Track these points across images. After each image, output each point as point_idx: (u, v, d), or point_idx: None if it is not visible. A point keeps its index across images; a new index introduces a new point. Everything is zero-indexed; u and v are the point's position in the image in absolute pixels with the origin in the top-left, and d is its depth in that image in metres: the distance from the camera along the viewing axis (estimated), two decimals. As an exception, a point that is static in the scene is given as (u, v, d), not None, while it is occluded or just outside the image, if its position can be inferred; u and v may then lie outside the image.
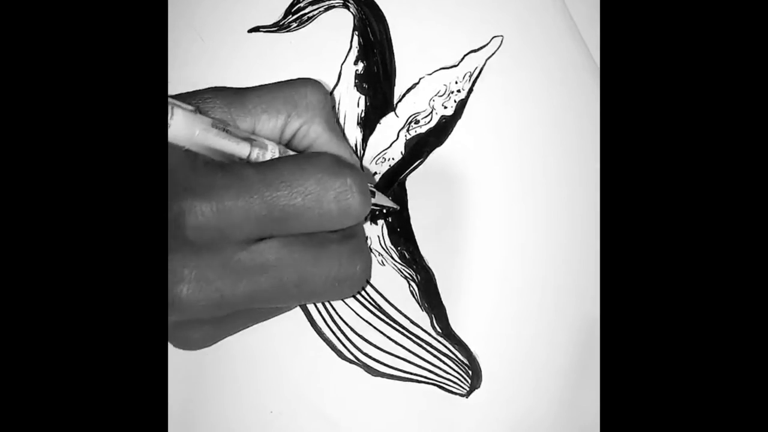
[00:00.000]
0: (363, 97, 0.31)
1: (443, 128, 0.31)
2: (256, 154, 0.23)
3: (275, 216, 0.21)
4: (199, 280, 0.21)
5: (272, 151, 0.23)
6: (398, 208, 0.30)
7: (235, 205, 0.21)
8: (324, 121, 0.25)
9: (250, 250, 0.22)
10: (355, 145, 0.31)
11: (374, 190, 0.27)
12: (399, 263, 0.30)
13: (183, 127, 0.21)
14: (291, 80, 0.25)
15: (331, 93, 0.31)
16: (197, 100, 0.23)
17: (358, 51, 0.31)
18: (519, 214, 0.30)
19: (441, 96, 0.31)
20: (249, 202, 0.21)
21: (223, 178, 0.21)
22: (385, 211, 0.30)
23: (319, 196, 0.22)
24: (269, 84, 0.25)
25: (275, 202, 0.21)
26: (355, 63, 0.31)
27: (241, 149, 0.23)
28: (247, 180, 0.21)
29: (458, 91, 0.31)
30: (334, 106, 0.30)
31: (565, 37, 0.31)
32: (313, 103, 0.25)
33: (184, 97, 0.23)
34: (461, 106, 0.31)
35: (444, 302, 0.30)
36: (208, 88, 0.24)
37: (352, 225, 0.23)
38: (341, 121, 0.31)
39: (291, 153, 0.25)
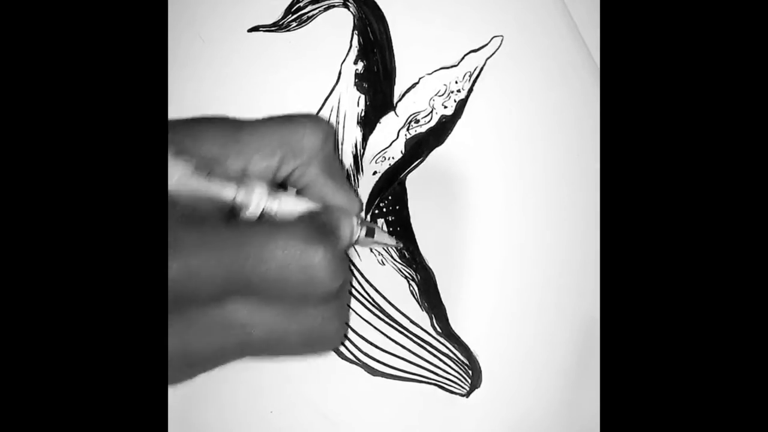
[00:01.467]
0: (363, 97, 0.31)
1: (443, 128, 0.31)
2: (242, 198, 0.22)
3: (243, 280, 0.21)
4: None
5: (259, 194, 0.23)
6: (401, 245, 0.30)
7: (203, 266, 0.20)
8: (320, 163, 0.24)
9: (220, 307, 0.22)
10: (355, 145, 0.31)
11: (375, 227, 0.27)
12: (399, 263, 0.30)
13: None
14: (290, 117, 0.24)
15: (331, 93, 0.31)
16: (192, 131, 0.23)
17: (358, 50, 0.31)
18: (519, 213, 0.30)
19: (441, 96, 0.31)
20: (217, 264, 0.20)
21: (193, 235, 0.21)
22: (383, 244, 0.30)
23: (287, 267, 0.21)
24: (267, 120, 0.24)
25: (244, 266, 0.21)
26: (355, 62, 0.31)
27: (226, 192, 0.22)
28: (217, 241, 0.21)
29: (458, 90, 0.31)
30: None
31: (565, 37, 0.31)
32: (309, 146, 0.24)
33: (178, 125, 0.23)
34: (461, 105, 0.31)
35: (444, 302, 0.30)
36: (204, 119, 0.23)
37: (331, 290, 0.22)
38: (341, 120, 0.31)
39: (281, 193, 0.24)
